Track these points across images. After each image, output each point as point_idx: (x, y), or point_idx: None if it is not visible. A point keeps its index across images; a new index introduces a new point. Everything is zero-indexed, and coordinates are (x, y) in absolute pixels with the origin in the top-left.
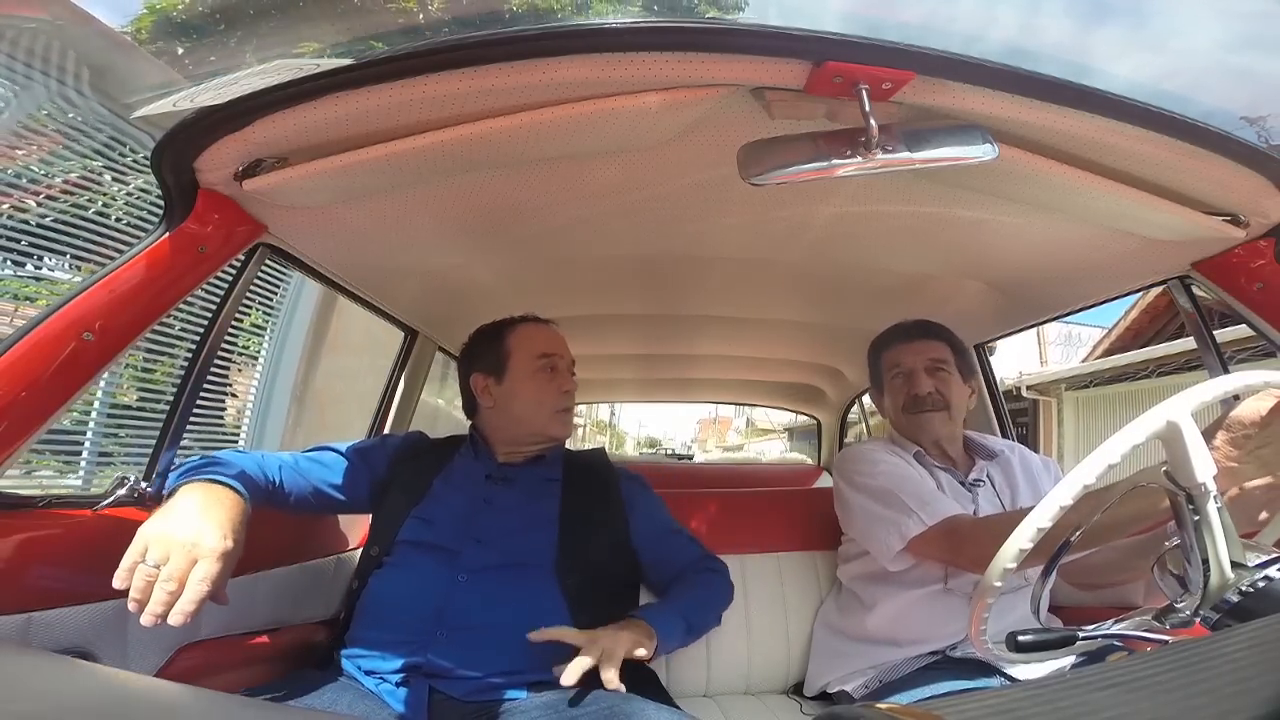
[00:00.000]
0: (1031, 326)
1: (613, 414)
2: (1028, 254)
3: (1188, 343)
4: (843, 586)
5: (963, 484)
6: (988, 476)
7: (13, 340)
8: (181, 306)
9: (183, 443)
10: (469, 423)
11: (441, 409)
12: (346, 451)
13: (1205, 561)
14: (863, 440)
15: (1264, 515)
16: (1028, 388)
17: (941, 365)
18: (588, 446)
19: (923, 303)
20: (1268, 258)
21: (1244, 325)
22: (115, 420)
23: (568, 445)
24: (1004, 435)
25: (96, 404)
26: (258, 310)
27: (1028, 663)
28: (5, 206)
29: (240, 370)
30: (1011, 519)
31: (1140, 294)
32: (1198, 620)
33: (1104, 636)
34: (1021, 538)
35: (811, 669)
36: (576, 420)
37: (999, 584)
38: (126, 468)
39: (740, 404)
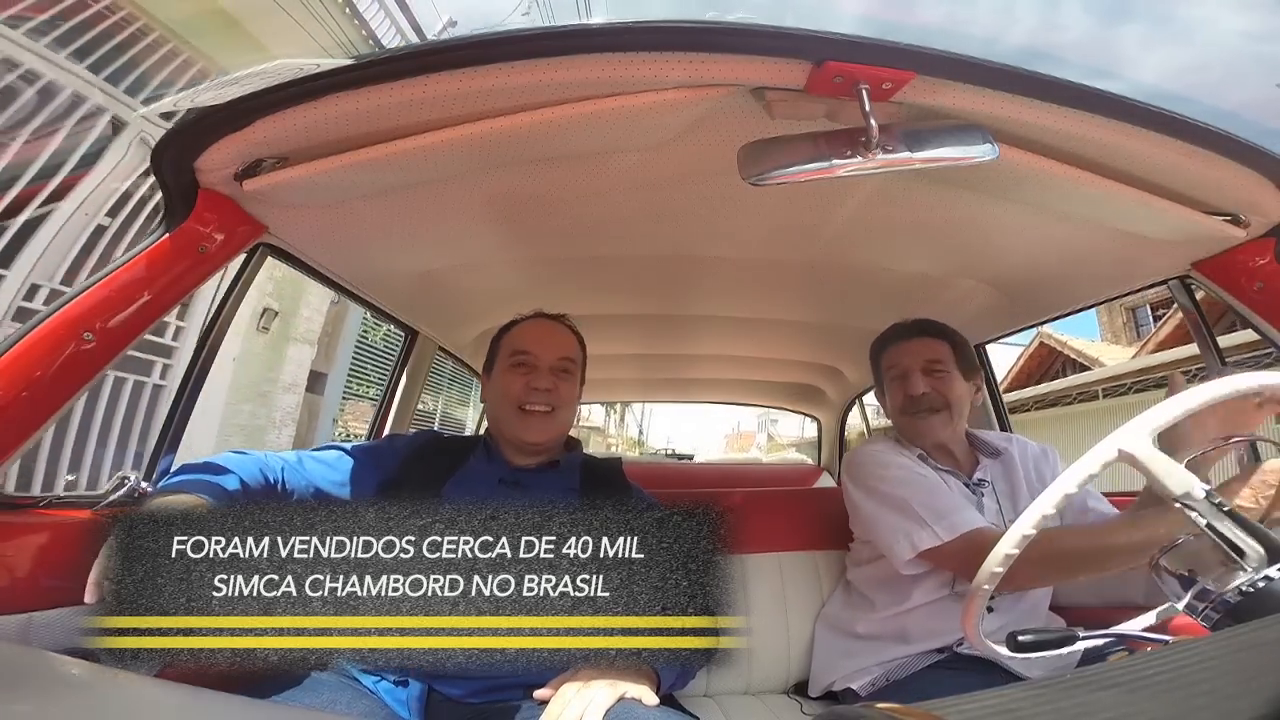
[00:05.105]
0: (1032, 326)
1: (641, 431)
2: (1028, 254)
3: (1064, 381)
4: (851, 587)
5: (967, 485)
6: (990, 477)
7: (13, 340)
8: None
9: None
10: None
11: None
12: (353, 451)
13: (1238, 550)
14: (868, 441)
15: None
16: None
17: (938, 365)
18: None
19: (923, 303)
20: (1268, 258)
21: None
22: None
23: (586, 452)
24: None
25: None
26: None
27: (1033, 662)
28: None
29: None
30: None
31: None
32: (1198, 620)
33: (1104, 636)
34: (1008, 543)
35: (816, 667)
36: (611, 440)
37: (988, 587)
38: None
39: (741, 404)
